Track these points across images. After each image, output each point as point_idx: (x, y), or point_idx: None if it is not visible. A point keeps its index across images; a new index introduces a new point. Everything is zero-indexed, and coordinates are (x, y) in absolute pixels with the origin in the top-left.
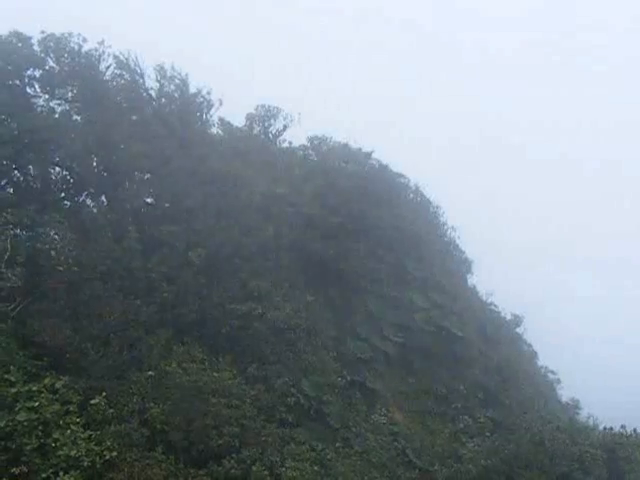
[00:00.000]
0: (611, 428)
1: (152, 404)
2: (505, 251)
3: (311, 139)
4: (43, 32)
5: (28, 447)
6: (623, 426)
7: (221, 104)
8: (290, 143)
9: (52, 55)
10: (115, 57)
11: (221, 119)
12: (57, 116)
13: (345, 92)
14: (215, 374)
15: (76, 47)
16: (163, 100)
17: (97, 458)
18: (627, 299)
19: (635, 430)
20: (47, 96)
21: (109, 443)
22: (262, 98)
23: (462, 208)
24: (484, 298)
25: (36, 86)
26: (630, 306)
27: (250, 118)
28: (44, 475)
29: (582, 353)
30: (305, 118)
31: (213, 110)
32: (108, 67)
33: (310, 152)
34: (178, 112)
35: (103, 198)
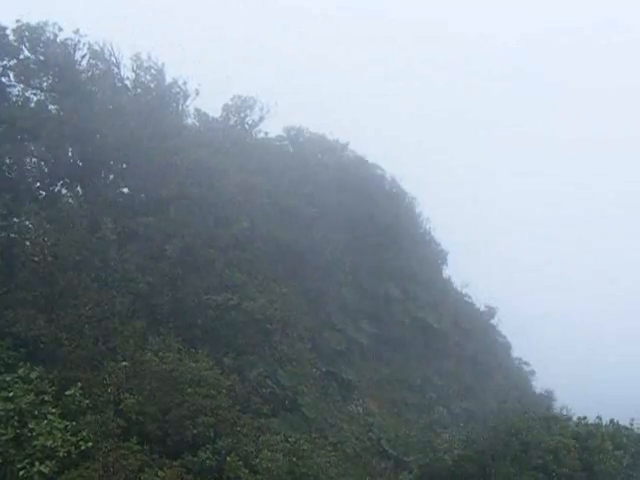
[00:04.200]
0: (584, 418)
1: (127, 394)
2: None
3: (287, 130)
4: (18, 21)
5: (3, 437)
6: (599, 417)
7: (197, 94)
8: (266, 134)
9: (27, 44)
10: (90, 46)
11: (197, 110)
12: (32, 106)
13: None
14: (192, 364)
15: (51, 36)
16: (139, 90)
17: (72, 448)
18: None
19: (606, 420)
20: (22, 86)
21: (84, 433)
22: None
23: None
24: (459, 289)
25: (11, 76)
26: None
27: (226, 109)
28: (19, 465)
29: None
30: (282, 110)
31: (189, 101)
32: (84, 56)
33: (286, 143)
34: (154, 102)
35: (78, 188)
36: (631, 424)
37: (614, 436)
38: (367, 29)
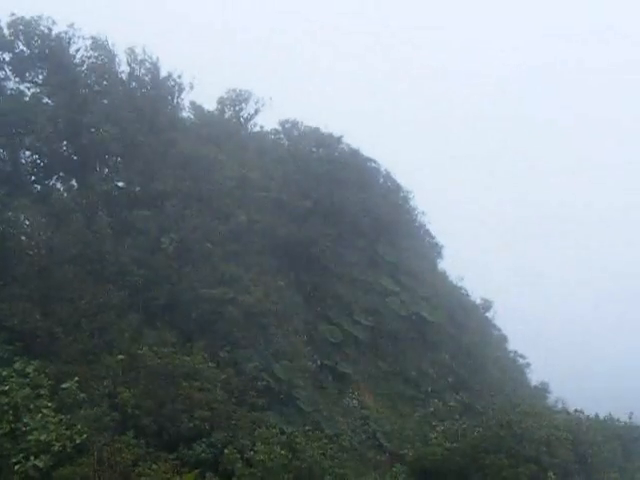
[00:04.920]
0: (579, 411)
1: (123, 388)
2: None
3: (282, 123)
4: (13, 15)
5: None
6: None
7: (192, 88)
8: (261, 127)
9: (22, 38)
10: (85, 40)
11: (192, 103)
12: (27, 99)
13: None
14: (186, 358)
15: (46, 30)
16: (134, 84)
17: (67, 442)
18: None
19: (600, 414)
20: (17, 79)
21: (80, 427)
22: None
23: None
24: (454, 282)
25: (6, 69)
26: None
27: (221, 102)
28: (14, 460)
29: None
30: (277, 103)
31: (184, 94)
32: (78, 50)
33: (281, 136)
34: (149, 96)
35: (73, 182)
36: (630, 418)
37: (607, 429)
38: (366, 34)
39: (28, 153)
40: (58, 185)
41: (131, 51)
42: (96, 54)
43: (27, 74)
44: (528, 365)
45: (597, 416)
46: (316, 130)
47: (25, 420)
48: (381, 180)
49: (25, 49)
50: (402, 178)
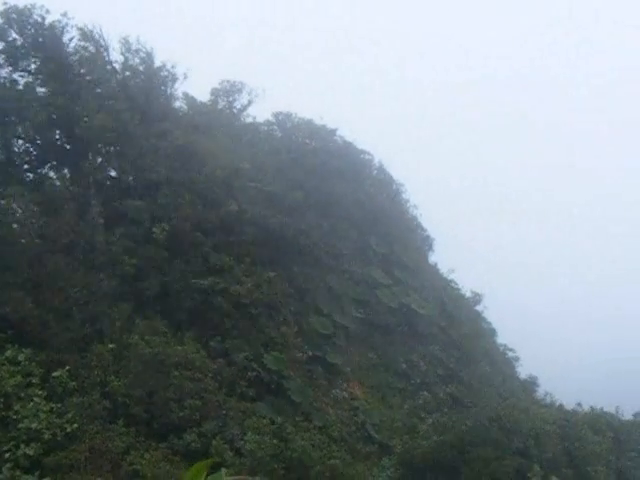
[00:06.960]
0: (561, 405)
1: (113, 377)
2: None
3: (276, 115)
4: (5, 3)
5: None
6: (579, 404)
7: (185, 78)
8: (254, 118)
9: (15, 27)
10: (79, 29)
11: (185, 93)
12: (20, 88)
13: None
14: (179, 347)
15: (39, 19)
16: (127, 73)
17: (58, 430)
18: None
19: (587, 407)
20: (10, 68)
21: (70, 415)
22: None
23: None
24: (445, 275)
25: None
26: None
27: (215, 93)
28: (5, 447)
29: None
30: (271, 95)
31: (177, 84)
32: (72, 39)
33: (275, 128)
34: (142, 86)
35: (66, 171)
36: (616, 411)
37: (594, 422)
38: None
39: (21, 142)
40: (51, 174)
41: (125, 40)
42: (89, 43)
43: (20, 63)
44: (517, 359)
45: (591, 409)
46: (310, 122)
47: (16, 408)
48: (374, 172)
49: (18, 38)
50: (395, 171)
